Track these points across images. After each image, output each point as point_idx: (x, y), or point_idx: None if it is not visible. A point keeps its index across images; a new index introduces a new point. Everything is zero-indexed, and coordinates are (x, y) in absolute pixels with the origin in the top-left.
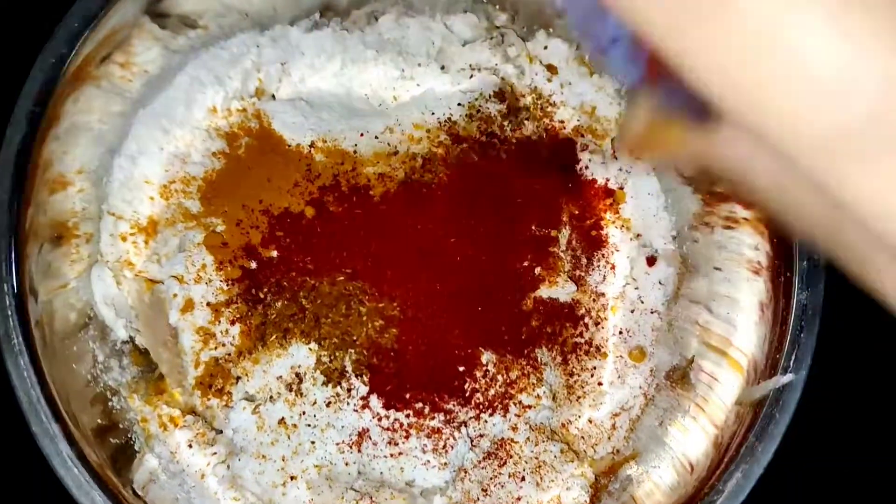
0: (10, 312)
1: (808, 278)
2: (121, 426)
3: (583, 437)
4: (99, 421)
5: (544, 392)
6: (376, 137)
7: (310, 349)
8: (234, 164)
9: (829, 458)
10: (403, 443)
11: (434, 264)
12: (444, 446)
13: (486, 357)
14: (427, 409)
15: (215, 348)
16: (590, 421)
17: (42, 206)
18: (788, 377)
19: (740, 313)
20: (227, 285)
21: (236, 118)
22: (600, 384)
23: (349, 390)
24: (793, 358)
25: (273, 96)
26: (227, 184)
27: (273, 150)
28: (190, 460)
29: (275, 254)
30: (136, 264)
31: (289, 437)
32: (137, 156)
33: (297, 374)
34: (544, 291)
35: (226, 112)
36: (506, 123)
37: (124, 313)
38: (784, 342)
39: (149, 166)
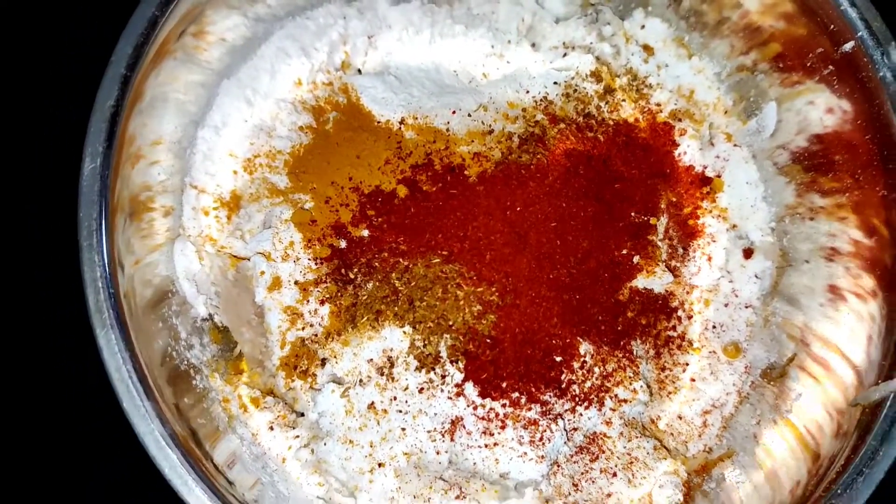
0: (100, 285)
1: None
2: (204, 406)
3: (672, 434)
4: (186, 400)
5: (640, 386)
6: (469, 115)
7: (404, 332)
8: (322, 140)
9: None
10: (499, 433)
11: (534, 249)
12: (542, 438)
13: (584, 348)
14: (524, 400)
15: (303, 328)
16: (680, 417)
17: (126, 180)
18: None
19: (844, 311)
20: (316, 264)
21: (322, 91)
22: (693, 380)
23: (443, 377)
24: None
25: (359, 70)
26: (315, 159)
27: (361, 126)
28: (271, 443)
29: (366, 233)
30: (219, 240)
31: (378, 423)
32: (221, 127)
33: (390, 358)
34: (641, 281)
35: (311, 85)
36: (602, 104)
37: (205, 290)
38: None
39: (233, 139)
